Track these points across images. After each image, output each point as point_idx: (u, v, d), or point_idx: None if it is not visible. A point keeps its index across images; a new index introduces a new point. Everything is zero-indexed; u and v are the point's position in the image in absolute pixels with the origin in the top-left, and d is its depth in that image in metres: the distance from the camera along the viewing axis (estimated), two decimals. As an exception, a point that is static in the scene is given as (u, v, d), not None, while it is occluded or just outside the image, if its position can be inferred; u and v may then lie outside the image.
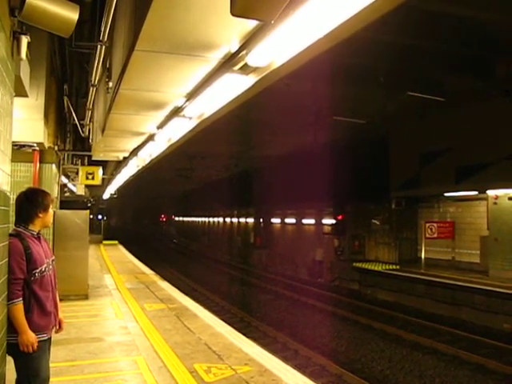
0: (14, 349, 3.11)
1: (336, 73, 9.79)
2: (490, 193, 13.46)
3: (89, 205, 30.53)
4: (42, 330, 3.23)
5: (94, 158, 13.70)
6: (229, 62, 4.62)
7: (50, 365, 3.42)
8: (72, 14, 3.73)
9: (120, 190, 28.36)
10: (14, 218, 3.33)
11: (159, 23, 3.93)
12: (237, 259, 29.85)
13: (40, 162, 8.67)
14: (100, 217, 39.47)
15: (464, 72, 10.53)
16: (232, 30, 4.03)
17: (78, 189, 16.94)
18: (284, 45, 3.88)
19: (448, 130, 13.55)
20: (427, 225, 15.06)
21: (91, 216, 25.91)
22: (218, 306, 15.52)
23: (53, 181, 9.24)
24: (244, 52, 4.19)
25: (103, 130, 9.04)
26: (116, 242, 29.66)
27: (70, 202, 19.82)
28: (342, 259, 19.14)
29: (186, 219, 52.57)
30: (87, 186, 19.41)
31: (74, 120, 10.91)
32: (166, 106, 6.81)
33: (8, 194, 3.42)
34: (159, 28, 4.04)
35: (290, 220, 25.00)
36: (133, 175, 17.71)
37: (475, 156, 12.81)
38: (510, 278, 12.36)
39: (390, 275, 15.29)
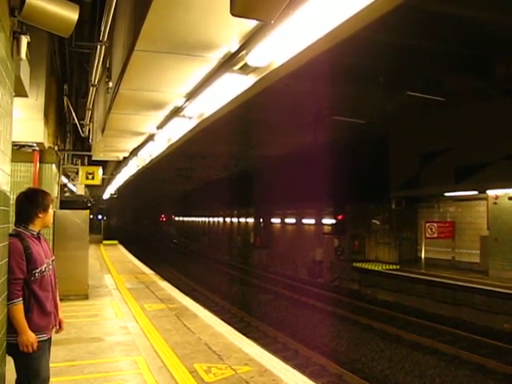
0: (13, 349, 3.11)
1: (336, 73, 9.79)
2: (490, 193, 13.46)
3: (89, 205, 30.53)
4: (42, 330, 3.23)
5: (93, 158, 13.71)
6: (229, 61, 4.62)
7: (50, 365, 3.42)
8: (72, 14, 3.73)
9: (120, 190, 28.37)
10: (14, 218, 3.33)
11: (159, 23, 3.93)
12: (237, 259, 29.85)
13: (40, 162, 8.67)
14: (100, 217, 39.48)
15: (464, 72, 10.53)
16: (232, 30, 4.03)
17: (78, 189, 16.94)
18: (284, 45, 3.88)
19: (448, 130, 13.55)
20: (427, 225, 15.06)
21: (91, 216, 25.92)
22: (218, 305, 15.52)
23: (53, 181, 9.24)
24: (244, 52, 4.19)
25: (103, 130, 9.04)
26: (116, 241, 29.66)
27: (69, 202, 19.83)
28: (341, 259, 19.13)
29: (185, 219, 52.58)
30: (87, 186, 19.41)
31: (73, 120, 10.91)
32: (165, 106, 6.81)
33: (8, 194, 3.42)
34: (159, 28, 4.04)
35: (290, 220, 25.00)
36: (133, 175, 17.72)
37: (475, 156, 12.80)
38: (510, 278, 12.36)
39: (390, 275, 15.28)
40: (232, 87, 5.19)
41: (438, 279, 13.42)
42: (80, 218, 9.32)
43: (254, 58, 4.12)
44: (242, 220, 32.41)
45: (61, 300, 3.65)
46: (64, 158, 12.29)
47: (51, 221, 3.59)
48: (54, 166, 9.19)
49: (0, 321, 2.95)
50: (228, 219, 36.22)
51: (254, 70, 4.74)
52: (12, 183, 3.71)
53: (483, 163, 12.59)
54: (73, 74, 11.47)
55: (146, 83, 5.74)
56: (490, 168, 12.44)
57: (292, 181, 20.78)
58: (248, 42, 4.07)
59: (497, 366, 8.89)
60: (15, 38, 3.72)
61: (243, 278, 21.62)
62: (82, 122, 10.69)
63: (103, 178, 18.15)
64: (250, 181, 26.65)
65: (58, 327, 3.51)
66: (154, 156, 11.51)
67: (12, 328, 3.08)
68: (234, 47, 4.38)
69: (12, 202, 3.54)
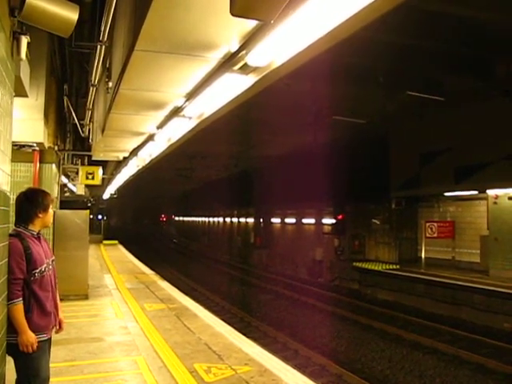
0: (13, 349, 3.11)
1: (336, 72, 9.79)
2: (490, 192, 13.46)
3: (89, 205, 30.54)
4: (42, 330, 3.23)
5: (93, 158, 13.71)
6: (229, 61, 4.62)
7: (50, 365, 3.42)
8: (72, 14, 3.73)
9: (120, 190, 28.37)
10: (14, 218, 3.33)
11: (159, 23, 3.93)
12: (237, 259, 29.86)
13: (40, 162, 8.67)
14: (100, 217, 39.49)
15: (464, 72, 10.53)
16: (232, 30, 4.03)
17: (78, 189, 16.93)
18: (284, 45, 3.88)
19: (448, 130, 13.55)
20: (427, 224, 15.06)
21: (91, 216, 25.92)
22: (218, 305, 15.51)
23: (53, 181, 9.23)
24: (244, 52, 4.19)
25: (103, 130, 9.04)
26: (116, 241, 29.66)
27: (69, 202, 19.83)
28: (341, 259, 19.13)
29: (185, 219, 52.59)
30: (87, 186, 19.41)
31: (73, 120, 10.90)
32: (165, 106, 6.81)
33: (8, 194, 3.42)
34: (159, 28, 4.04)
35: (290, 220, 25.00)
36: (133, 175, 17.72)
37: (475, 156, 12.81)
38: (510, 278, 12.36)
39: (390, 275, 15.28)
40: (232, 87, 5.19)
41: (438, 279, 13.42)
42: (80, 217, 9.32)
43: (253, 57, 4.12)
44: (242, 220, 32.41)
45: (61, 300, 3.65)
46: (64, 158, 12.30)
47: (51, 221, 3.59)
48: (53, 165, 9.19)
49: (0, 321, 2.95)
50: (228, 219, 36.22)
51: (254, 69, 4.74)
52: (12, 183, 3.71)
53: (483, 163, 12.59)
54: (73, 74, 11.46)
55: (146, 83, 5.74)
56: (489, 168, 12.44)
57: (292, 181, 20.78)
58: (248, 41, 4.08)
59: (497, 365, 8.89)
60: (15, 38, 3.72)
61: (243, 278, 21.62)
62: (81, 122, 10.69)
63: (103, 178, 18.15)
64: (250, 181, 26.66)
65: (58, 327, 3.50)
66: (153, 156, 11.51)
67: (12, 328, 3.08)
68: (234, 47, 4.38)
69: (12, 202, 3.54)
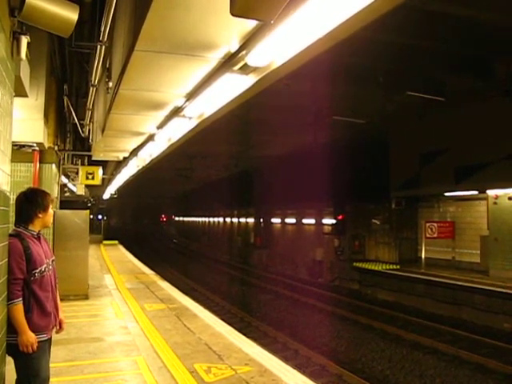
0: (13, 349, 3.11)
1: (336, 73, 9.79)
2: (490, 192, 13.46)
3: (89, 205, 30.56)
4: (42, 330, 3.23)
5: (93, 158, 13.71)
6: (229, 61, 4.62)
7: (50, 365, 3.42)
8: (71, 14, 3.73)
9: (120, 190, 28.38)
10: (13, 219, 3.33)
11: (159, 23, 3.93)
12: (237, 259, 29.86)
13: (40, 162, 8.67)
14: (100, 217, 39.52)
15: (464, 72, 10.53)
16: (232, 30, 4.03)
17: (78, 189, 16.93)
18: (284, 45, 3.88)
19: (448, 130, 13.55)
20: (427, 224, 15.07)
21: (91, 216, 25.94)
22: (218, 305, 15.52)
23: (53, 181, 9.24)
24: (244, 52, 4.19)
25: (103, 130, 9.04)
26: (116, 241, 29.67)
27: (70, 202, 19.83)
28: (342, 259, 19.13)
29: (186, 219, 52.59)
30: (87, 186, 19.41)
31: (73, 120, 10.90)
32: (165, 106, 6.81)
33: (8, 194, 3.42)
34: (159, 28, 4.04)
35: (290, 220, 25.00)
36: (133, 175, 17.72)
37: (475, 156, 12.81)
38: (510, 278, 12.36)
39: (390, 275, 15.29)
40: (232, 87, 5.19)
41: (438, 279, 13.43)
42: (80, 218, 9.32)
43: (253, 58, 4.12)
44: (242, 220, 32.41)
45: (61, 300, 3.65)
46: (64, 158, 12.29)
47: (51, 221, 3.59)
48: (53, 166, 9.19)
49: (0, 321, 2.95)
50: (228, 219, 36.22)
51: (254, 70, 4.74)
52: (12, 183, 3.71)
53: (483, 163, 12.60)
54: (73, 74, 11.46)
55: (146, 83, 5.74)
56: (489, 168, 12.44)
57: (292, 181, 20.78)
58: (248, 42, 4.07)
59: (497, 365, 8.89)
60: (15, 39, 3.72)
61: (243, 278, 21.62)
62: (82, 122, 10.68)
63: (103, 178, 18.15)
64: (250, 181, 26.67)
65: (58, 327, 3.50)
66: (154, 156, 11.51)
67: (12, 328, 3.08)
68: (234, 47, 4.38)
69: (12, 202, 3.54)
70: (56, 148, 9.85)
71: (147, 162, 12.50)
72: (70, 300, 8.80)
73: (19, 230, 3.27)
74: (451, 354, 9.66)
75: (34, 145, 8.07)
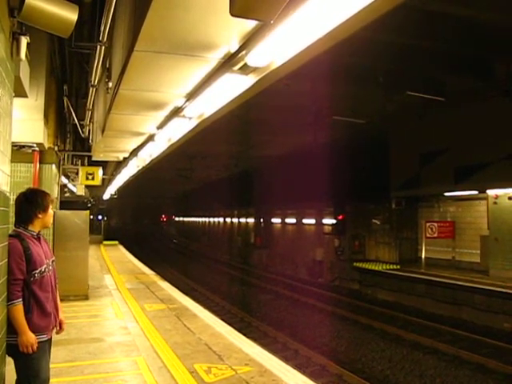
0: (13, 350, 3.11)
1: (336, 73, 9.79)
2: (490, 192, 13.46)
3: (89, 205, 30.55)
4: (42, 330, 3.23)
5: (93, 159, 13.70)
6: (228, 62, 4.61)
7: (50, 365, 3.42)
8: (71, 15, 3.73)
9: (120, 191, 28.36)
10: (13, 219, 3.33)
11: (159, 23, 3.93)
12: (237, 259, 29.86)
13: (40, 163, 8.67)
14: (100, 217, 39.52)
15: (464, 72, 10.53)
16: (232, 30, 4.03)
17: (78, 189, 16.94)
18: (284, 45, 3.87)
19: (448, 130, 13.56)
20: (427, 224, 15.07)
21: (91, 216, 25.94)
22: (218, 306, 15.52)
23: (53, 181, 9.23)
24: (244, 52, 4.19)
25: (103, 131, 9.03)
26: (116, 242, 29.66)
27: (70, 203, 19.81)
28: (342, 259, 19.13)
29: (186, 219, 52.60)
30: (87, 187, 19.41)
31: (73, 120, 10.90)
32: (165, 106, 6.80)
33: (8, 194, 3.42)
34: (159, 28, 4.04)
35: (291, 220, 24.99)
36: (133, 175, 17.71)
37: (475, 156, 12.81)
38: (510, 278, 12.36)
39: (391, 275, 15.28)
40: (232, 87, 5.19)
41: (438, 279, 13.42)
42: (80, 218, 9.32)
43: (253, 58, 4.12)
44: (242, 220, 32.41)
45: (61, 300, 3.65)
46: (64, 159, 12.29)
47: (51, 221, 3.59)
48: (53, 166, 9.19)
49: (0, 321, 2.95)
50: (228, 219, 36.22)
51: (254, 70, 4.74)
52: (12, 184, 3.71)
53: (483, 163, 12.59)
54: (73, 74, 11.46)
55: (146, 83, 5.73)
56: (489, 168, 12.44)
57: (292, 181, 20.78)
58: (248, 42, 4.07)
59: (497, 365, 8.89)
60: (15, 39, 3.72)
61: (243, 278, 21.62)
62: (81, 123, 10.68)
63: (103, 179, 18.15)
64: (250, 181, 26.67)
65: (58, 328, 3.50)
66: (154, 156, 11.51)
67: (12, 329, 3.08)
68: (234, 47, 4.38)
69: (12, 202, 3.54)
70: (56, 148, 9.85)
71: (147, 162, 12.50)
72: (70, 300, 8.79)
73: (19, 230, 3.27)
74: (451, 354, 9.66)
75: (34, 145, 8.07)
